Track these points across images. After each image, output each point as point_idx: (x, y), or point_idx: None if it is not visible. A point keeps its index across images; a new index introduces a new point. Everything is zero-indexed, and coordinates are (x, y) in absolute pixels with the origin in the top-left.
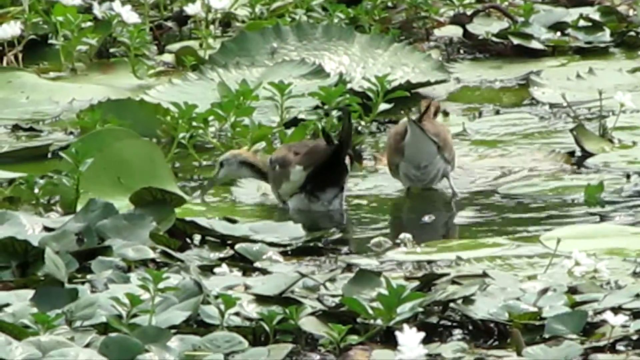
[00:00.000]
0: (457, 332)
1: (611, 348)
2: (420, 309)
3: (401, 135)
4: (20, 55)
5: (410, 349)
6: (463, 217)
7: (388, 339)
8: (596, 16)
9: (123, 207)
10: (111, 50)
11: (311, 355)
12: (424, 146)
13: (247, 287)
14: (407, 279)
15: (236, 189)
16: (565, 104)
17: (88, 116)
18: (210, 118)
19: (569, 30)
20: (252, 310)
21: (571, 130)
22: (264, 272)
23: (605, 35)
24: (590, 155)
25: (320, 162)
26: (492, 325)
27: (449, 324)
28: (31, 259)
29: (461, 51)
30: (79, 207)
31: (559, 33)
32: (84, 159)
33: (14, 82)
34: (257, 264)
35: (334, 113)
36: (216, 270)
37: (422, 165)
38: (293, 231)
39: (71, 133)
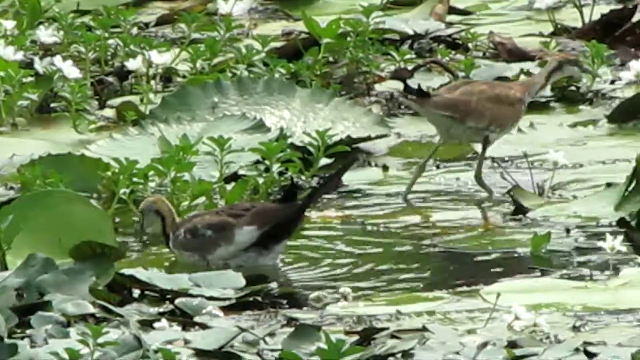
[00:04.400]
0: None
1: None
2: None
3: None
4: None
5: None
6: (403, 270)
7: None
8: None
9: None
10: (52, 105)
11: None
12: (433, 119)
13: (186, 342)
14: (346, 333)
15: None
16: (510, 158)
17: (28, 171)
18: (151, 173)
19: None
20: None
21: (508, 192)
22: (204, 326)
23: (546, 90)
24: (530, 209)
25: (282, 220)
26: None
27: None
28: None
29: (402, 106)
30: (18, 263)
31: None
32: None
33: None
34: (197, 319)
35: (275, 168)
36: (156, 324)
37: (441, 131)
38: (233, 280)
39: (12, 188)
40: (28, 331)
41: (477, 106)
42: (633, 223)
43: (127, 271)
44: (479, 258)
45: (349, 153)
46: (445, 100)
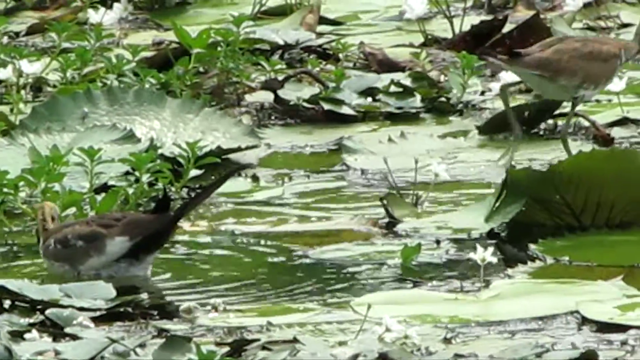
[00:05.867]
0: None
1: None
2: None
3: None
4: None
5: None
6: (274, 281)
7: None
8: (407, 82)
9: None
10: None
11: None
12: (524, 78)
13: (57, 353)
14: (217, 344)
15: None
16: (379, 171)
17: None
18: (21, 184)
19: (380, 96)
20: None
21: (381, 199)
22: (75, 337)
23: (416, 101)
24: (401, 221)
25: (153, 232)
26: None
27: None
28: None
29: (272, 117)
30: None
31: (370, 99)
32: None
33: None
34: (68, 329)
35: (144, 179)
36: (26, 335)
37: (535, 89)
38: (104, 291)
39: None
40: None
41: (568, 64)
42: (503, 235)
43: None
44: (350, 269)
45: (220, 165)
46: (536, 59)
